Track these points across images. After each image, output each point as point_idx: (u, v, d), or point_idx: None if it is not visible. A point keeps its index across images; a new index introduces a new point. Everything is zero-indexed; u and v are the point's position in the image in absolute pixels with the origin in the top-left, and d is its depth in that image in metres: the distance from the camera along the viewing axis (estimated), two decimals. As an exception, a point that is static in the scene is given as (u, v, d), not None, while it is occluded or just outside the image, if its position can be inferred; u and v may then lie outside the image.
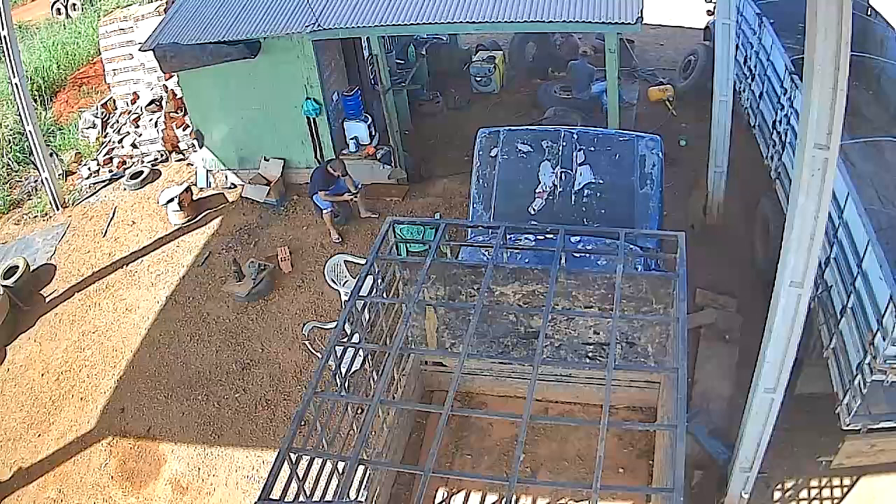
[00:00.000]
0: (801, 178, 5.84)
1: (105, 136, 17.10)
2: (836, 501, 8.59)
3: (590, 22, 11.51)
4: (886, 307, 7.05)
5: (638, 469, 7.38)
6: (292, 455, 5.67)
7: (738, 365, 9.67)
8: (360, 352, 8.07)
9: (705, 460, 8.66)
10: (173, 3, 14.77)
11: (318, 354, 10.77)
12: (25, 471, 10.57)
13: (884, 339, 7.13)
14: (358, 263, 11.75)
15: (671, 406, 5.99)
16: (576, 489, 6.66)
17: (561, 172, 9.20)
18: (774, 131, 10.88)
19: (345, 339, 6.95)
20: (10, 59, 14.07)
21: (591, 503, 5.00)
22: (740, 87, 12.96)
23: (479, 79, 16.77)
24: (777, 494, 8.68)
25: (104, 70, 17.73)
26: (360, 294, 7.01)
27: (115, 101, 17.69)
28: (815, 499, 8.65)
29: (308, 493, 5.81)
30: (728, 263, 11.39)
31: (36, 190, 16.13)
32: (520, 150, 9.38)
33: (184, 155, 16.14)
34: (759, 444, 7.50)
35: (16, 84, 14.31)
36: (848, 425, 7.87)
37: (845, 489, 8.63)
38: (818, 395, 8.41)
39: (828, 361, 8.40)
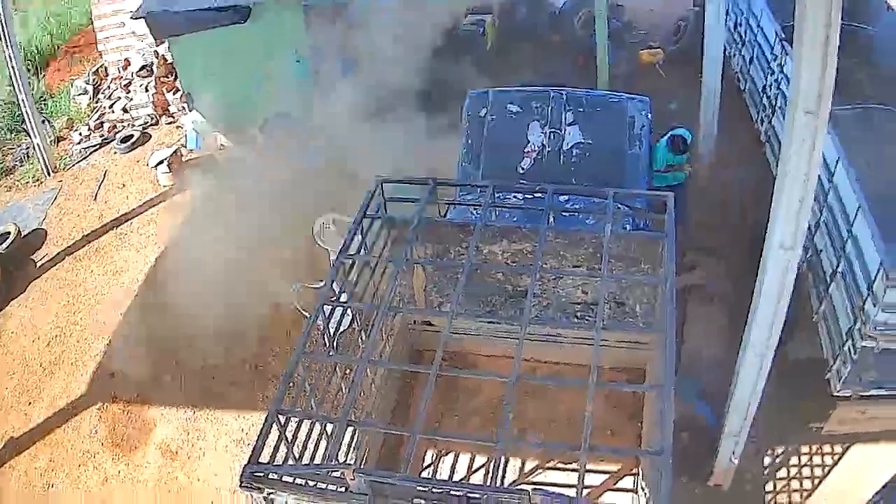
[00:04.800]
0: (790, 143, 5.80)
1: (97, 102, 17.00)
2: (827, 468, 8.57)
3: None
4: (876, 273, 7.05)
5: (627, 431, 7.34)
6: (281, 417, 5.62)
7: (727, 326, 9.66)
8: (348, 311, 8.01)
9: (695, 422, 8.68)
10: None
11: (306, 314, 10.72)
12: (16, 441, 10.55)
13: (874, 306, 7.13)
14: (346, 221, 11.63)
15: (660, 367, 5.97)
16: (564, 450, 6.67)
17: (550, 132, 9.15)
18: (764, 96, 10.83)
19: (333, 299, 6.88)
20: (3, 31, 13.97)
21: (580, 464, 4.99)
22: (730, 52, 12.88)
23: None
24: (767, 460, 8.69)
25: (96, 39, 17.56)
26: (349, 253, 6.96)
27: (106, 69, 17.54)
28: (805, 465, 8.63)
29: (297, 456, 5.77)
30: (718, 225, 11.34)
31: (28, 156, 16.06)
32: (509, 110, 9.31)
33: (174, 118, 16.08)
34: (748, 408, 7.46)
35: (9, 55, 14.24)
36: (838, 391, 7.88)
37: (836, 456, 8.60)
38: (810, 359, 8.40)
39: (817, 326, 8.39)
